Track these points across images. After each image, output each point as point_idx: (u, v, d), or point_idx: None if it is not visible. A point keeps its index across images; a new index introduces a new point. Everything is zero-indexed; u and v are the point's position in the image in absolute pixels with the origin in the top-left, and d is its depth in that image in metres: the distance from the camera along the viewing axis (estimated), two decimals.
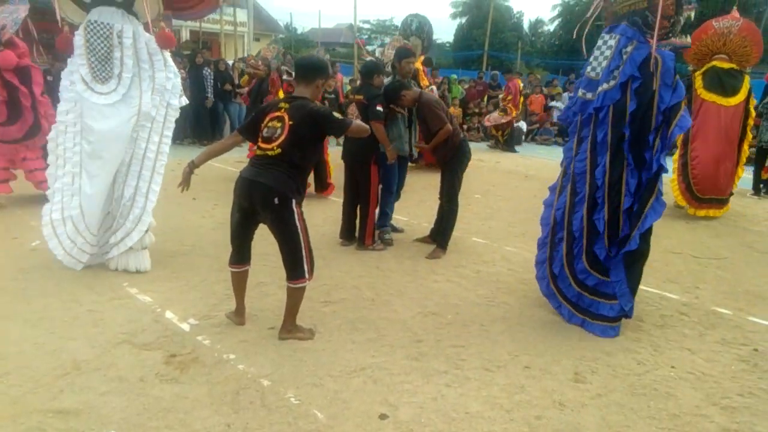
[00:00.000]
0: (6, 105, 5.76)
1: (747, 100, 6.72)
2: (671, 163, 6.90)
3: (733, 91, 6.55)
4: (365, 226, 5.02)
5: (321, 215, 6.01)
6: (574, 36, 3.78)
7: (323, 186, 6.89)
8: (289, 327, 3.29)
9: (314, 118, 3.10)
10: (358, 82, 6.91)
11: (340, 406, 2.69)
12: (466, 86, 15.26)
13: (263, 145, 3.12)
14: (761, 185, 8.31)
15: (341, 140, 5.30)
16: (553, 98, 15.58)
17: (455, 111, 13.12)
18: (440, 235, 5.06)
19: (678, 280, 4.58)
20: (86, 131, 4.16)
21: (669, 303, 4.10)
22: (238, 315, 3.46)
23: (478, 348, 3.30)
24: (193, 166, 3.29)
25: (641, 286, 4.31)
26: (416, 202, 6.73)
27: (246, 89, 8.20)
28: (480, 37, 27.87)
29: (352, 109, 5.27)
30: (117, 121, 4.11)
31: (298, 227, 3.09)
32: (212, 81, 11.19)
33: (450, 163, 4.93)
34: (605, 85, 3.37)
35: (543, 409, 2.73)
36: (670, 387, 2.97)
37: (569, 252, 3.65)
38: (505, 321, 3.69)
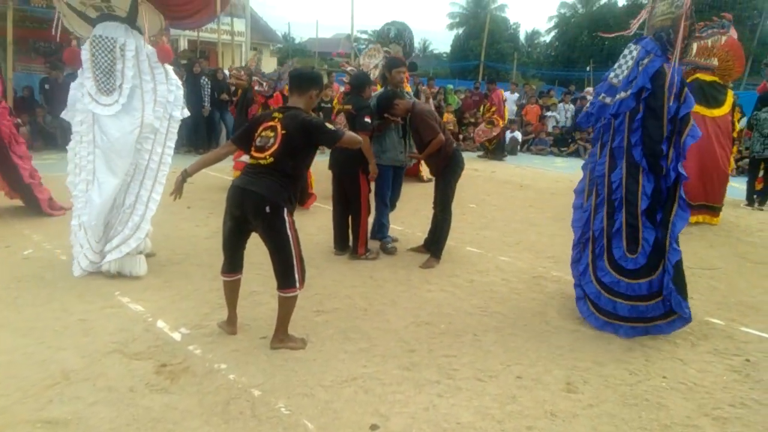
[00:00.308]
0: None
1: (732, 113, 6.89)
2: None
3: (717, 103, 6.69)
4: (357, 236, 5.01)
5: (314, 224, 6.01)
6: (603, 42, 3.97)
7: (304, 197, 6.66)
8: (281, 336, 3.28)
9: (307, 129, 3.12)
10: (342, 91, 6.92)
11: (331, 416, 2.68)
12: (462, 96, 15.34)
13: (256, 154, 3.14)
14: (755, 196, 8.36)
15: (326, 150, 5.32)
16: (548, 109, 15.67)
17: (449, 117, 13.17)
18: (434, 244, 5.07)
19: None
20: (97, 141, 4.32)
21: None
22: (230, 324, 3.45)
23: (470, 358, 3.30)
24: (186, 175, 3.30)
25: None
26: (410, 211, 6.74)
27: (236, 100, 8.25)
28: (476, 47, 28.04)
29: (341, 119, 5.27)
30: (120, 131, 4.23)
31: (290, 236, 3.09)
32: (209, 90, 11.23)
33: (443, 172, 4.94)
34: (622, 93, 3.57)
35: (535, 419, 2.73)
36: (662, 397, 2.96)
37: (592, 251, 3.84)
38: (497, 331, 3.69)
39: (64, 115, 4.49)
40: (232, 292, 3.41)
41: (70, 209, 5.56)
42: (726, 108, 6.70)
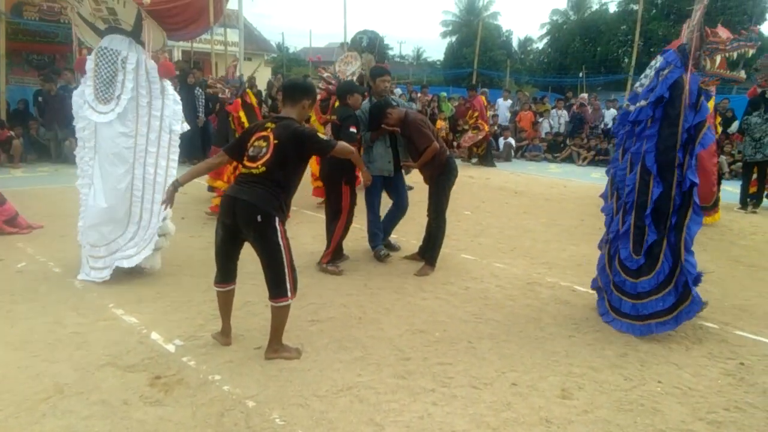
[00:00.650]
0: None
1: (714, 116, 7.06)
2: None
3: None
4: (328, 244, 4.95)
5: (309, 233, 6.02)
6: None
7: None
8: (275, 346, 3.28)
9: (299, 139, 3.13)
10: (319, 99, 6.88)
11: (326, 426, 2.67)
12: (456, 104, 15.40)
13: (248, 164, 3.15)
14: (748, 199, 8.41)
15: None
16: (541, 115, 15.75)
17: (441, 125, 13.23)
18: (429, 252, 5.07)
19: None
20: (97, 147, 4.53)
21: None
22: (224, 335, 3.44)
23: (465, 365, 3.30)
24: (177, 185, 3.31)
25: None
26: (405, 219, 6.70)
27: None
28: (470, 55, 28.22)
29: (327, 130, 5.26)
30: (112, 139, 4.40)
31: (281, 245, 3.09)
32: (203, 101, 11.25)
33: (437, 180, 4.95)
34: (642, 102, 3.73)
35: (530, 426, 2.72)
36: (657, 402, 2.97)
37: (608, 252, 4.05)
38: (492, 338, 3.69)
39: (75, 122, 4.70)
40: (225, 303, 3.40)
41: (38, 228, 5.82)
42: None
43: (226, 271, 3.33)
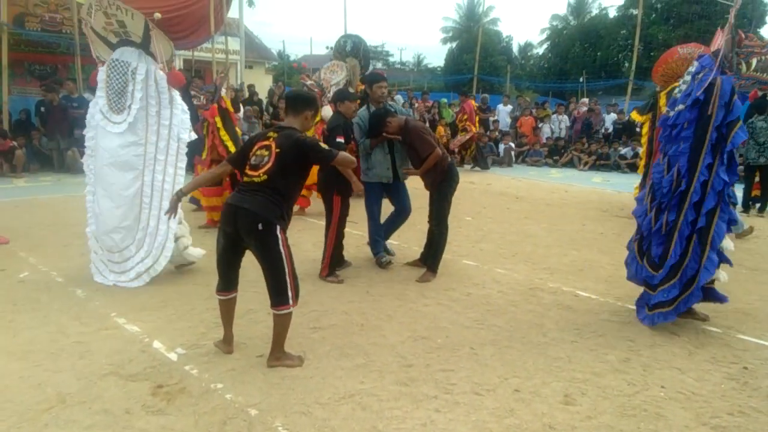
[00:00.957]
0: None
1: None
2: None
3: None
4: (323, 257, 4.91)
5: (310, 240, 6.02)
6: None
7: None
8: (278, 354, 3.27)
9: (301, 148, 3.16)
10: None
11: None
12: (457, 110, 15.44)
13: (250, 173, 3.17)
14: (750, 202, 8.40)
15: None
16: (541, 120, 15.78)
17: (441, 131, 13.30)
18: (430, 258, 5.07)
19: None
20: (99, 155, 4.65)
21: None
22: (227, 343, 3.44)
23: (467, 372, 3.29)
24: (180, 195, 3.33)
25: (628, 305, 4.33)
26: (406, 225, 6.70)
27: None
28: (470, 61, 28.29)
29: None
30: (122, 147, 4.54)
31: (282, 253, 3.09)
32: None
33: (439, 186, 4.95)
34: (680, 106, 3.82)
35: None
36: (660, 407, 2.96)
37: (639, 248, 4.13)
38: (494, 344, 3.68)
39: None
40: (227, 311, 3.40)
41: (4, 242, 5.76)
42: None
43: (228, 280, 3.33)
